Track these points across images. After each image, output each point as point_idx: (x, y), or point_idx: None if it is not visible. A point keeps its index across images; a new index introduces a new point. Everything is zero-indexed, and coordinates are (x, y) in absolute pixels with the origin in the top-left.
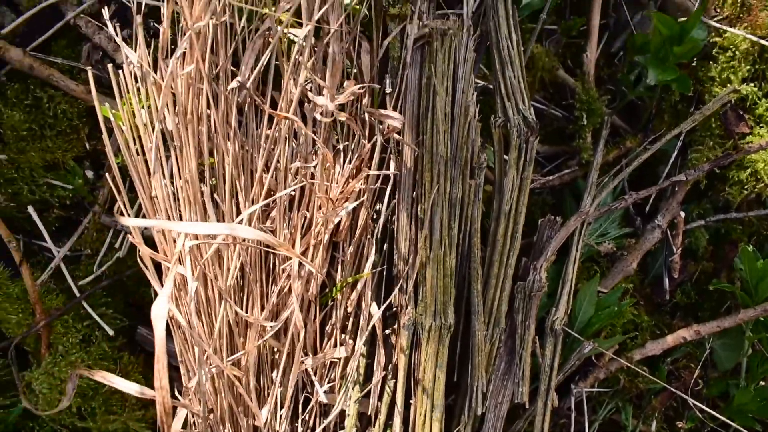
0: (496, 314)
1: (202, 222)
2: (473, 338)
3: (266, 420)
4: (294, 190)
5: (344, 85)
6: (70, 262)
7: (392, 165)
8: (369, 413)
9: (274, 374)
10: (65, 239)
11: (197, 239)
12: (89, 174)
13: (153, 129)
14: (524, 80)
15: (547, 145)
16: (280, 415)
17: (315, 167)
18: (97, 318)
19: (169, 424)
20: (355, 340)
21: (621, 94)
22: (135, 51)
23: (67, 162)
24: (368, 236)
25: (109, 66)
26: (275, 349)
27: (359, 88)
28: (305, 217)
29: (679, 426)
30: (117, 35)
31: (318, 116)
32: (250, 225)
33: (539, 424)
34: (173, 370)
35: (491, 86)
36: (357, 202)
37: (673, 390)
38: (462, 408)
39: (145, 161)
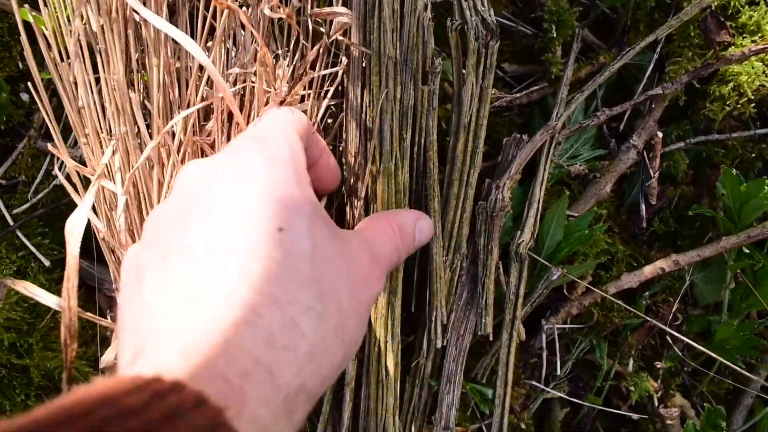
0: (457, 238)
1: (131, 133)
2: (431, 264)
3: None
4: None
5: None
6: (7, 191)
7: (339, 72)
8: None
9: None
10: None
11: (128, 152)
12: (24, 97)
13: (76, 30)
14: None
15: (516, 65)
16: None
17: (255, 73)
18: (33, 248)
19: (73, 348)
20: None
21: (594, 7)
22: None
23: None
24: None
25: None
26: None
27: None
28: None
29: (658, 366)
30: None
31: (267, 11)
32: (184, 136)
33: (504, 356)
34: (112, 300)
35: None
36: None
37: (653, 322)
38: (421, 341)
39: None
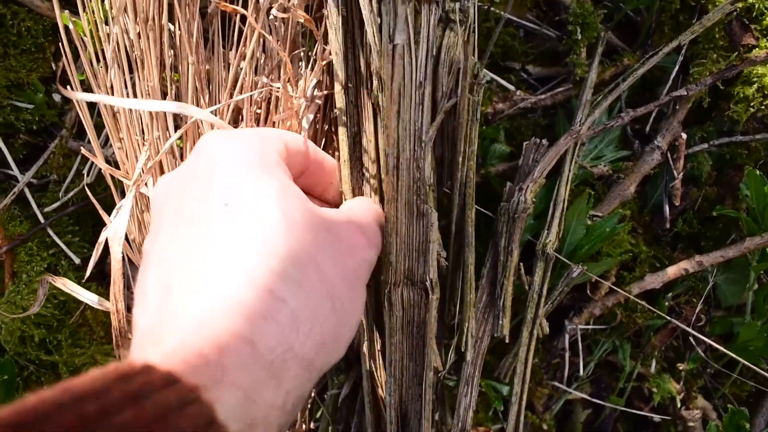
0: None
1: (163, 137)
2: (465, 273)
3: None
4: (259, 105)
5: None
6: (38, 189)
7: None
8: None
9: None
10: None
11: (157, 153)
12: (57, 97)
13: (115, 36)
14: None
15: (540, 67)
16: None
17: (279, 78)
18: (63, 246)
19: (125, 346)
20: None
21: (618, 10)
22: None
23: (32, 82)
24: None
25: None
26: None
27: None
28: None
29: (680, 368)
30: None
31: (274, 12)
32: None
33: (523, 354)
34: None
35: None
36: (312, 113)
37: (676, 323)
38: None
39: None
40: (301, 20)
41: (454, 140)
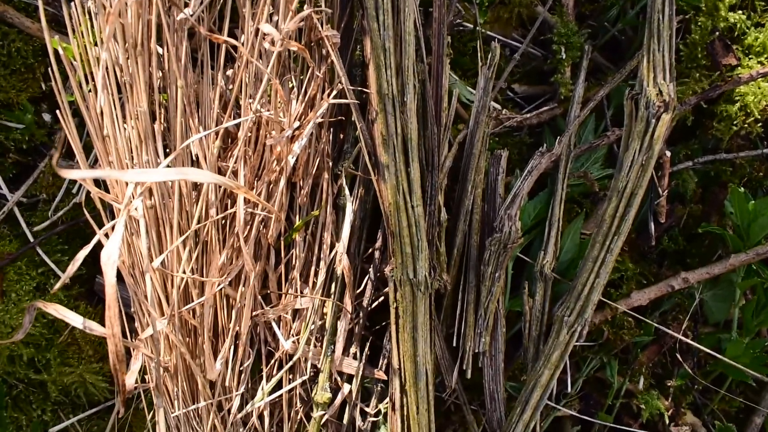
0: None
1: (153, 161)
2: (467, 294)
3: (219, 372)
4: (250, 130)
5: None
6: (28, 208)
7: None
8: (340, 368)
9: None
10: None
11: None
12: (46, 117)
13: (104, 62)
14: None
15: (526, 86)
16: (233, 366)
17: (269, 102)
18: (52, 265)
19: (123, 371)
20: (325, 287)
21: (603, 31)
22: None
23: (22, 103)
24: (326, 175)
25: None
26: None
27: (308, 14)
28: (261, 157)
29: (669, 384)
30: None
31: (267, 45)
32: (205, 161)
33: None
34: (129, 319)
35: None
36: (305, 138)
37: (665, 330)
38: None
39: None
40: (295, 49)
41: (465, 170)
